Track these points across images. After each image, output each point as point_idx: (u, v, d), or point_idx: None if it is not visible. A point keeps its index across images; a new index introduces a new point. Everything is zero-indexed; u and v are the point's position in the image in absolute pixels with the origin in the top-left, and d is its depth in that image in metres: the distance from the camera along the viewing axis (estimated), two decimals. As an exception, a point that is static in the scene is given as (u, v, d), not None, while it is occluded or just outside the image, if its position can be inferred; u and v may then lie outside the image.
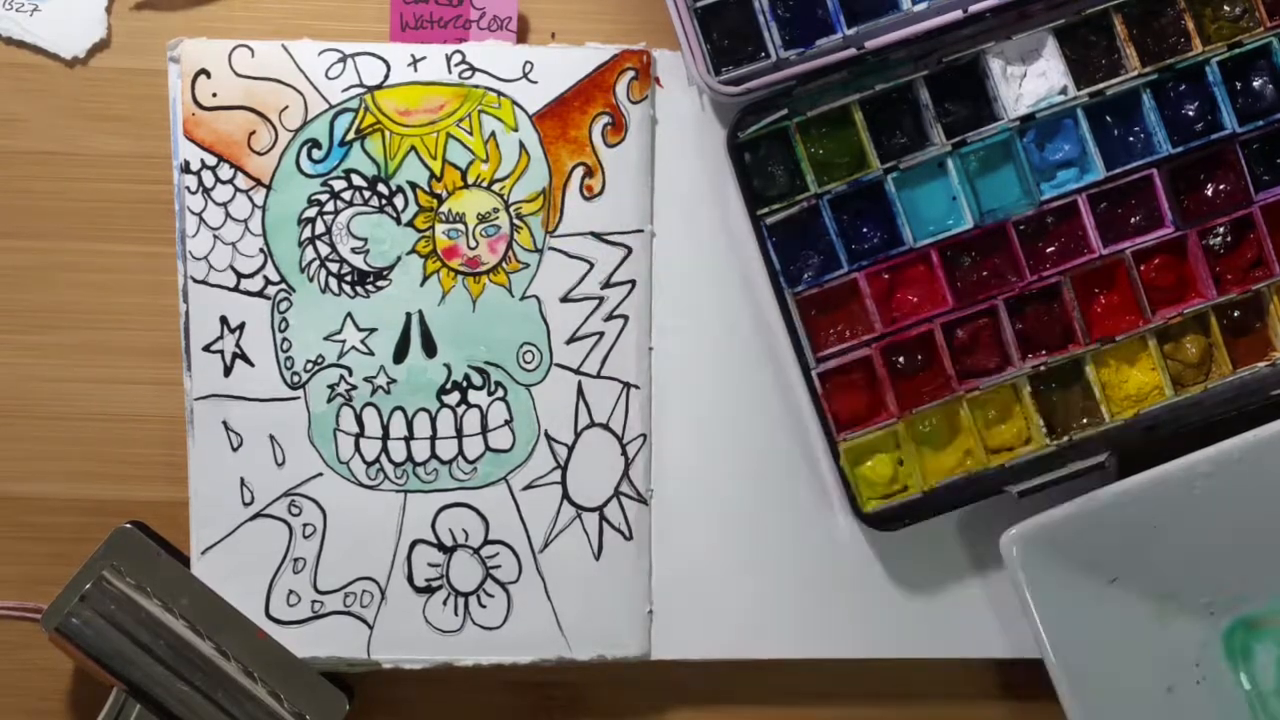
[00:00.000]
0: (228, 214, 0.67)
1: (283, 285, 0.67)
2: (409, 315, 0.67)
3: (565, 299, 0.68)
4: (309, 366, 0.67)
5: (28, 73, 0.69)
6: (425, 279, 0.67)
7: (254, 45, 0.67)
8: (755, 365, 0.68)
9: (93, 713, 0.66)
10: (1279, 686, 0.68)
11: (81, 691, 0.70)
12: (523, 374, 0.67)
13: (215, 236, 0.67)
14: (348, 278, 0.67)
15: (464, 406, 0.67)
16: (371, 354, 0.67)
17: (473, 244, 0.67)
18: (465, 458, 0.67)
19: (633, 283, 0.68)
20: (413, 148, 0.67)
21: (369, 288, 0.67)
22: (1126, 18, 0.66)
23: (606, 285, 0.68)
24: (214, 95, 0.67)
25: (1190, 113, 0.66)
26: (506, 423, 0.68)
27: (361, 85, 0.67)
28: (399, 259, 0.67)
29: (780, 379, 0.68)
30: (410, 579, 0.68)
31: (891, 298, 0.67)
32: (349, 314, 0.67)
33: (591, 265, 0.68)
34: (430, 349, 0.67)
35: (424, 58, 0.67)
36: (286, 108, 0.67)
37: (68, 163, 0.69)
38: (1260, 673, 0.68)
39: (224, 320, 0.67)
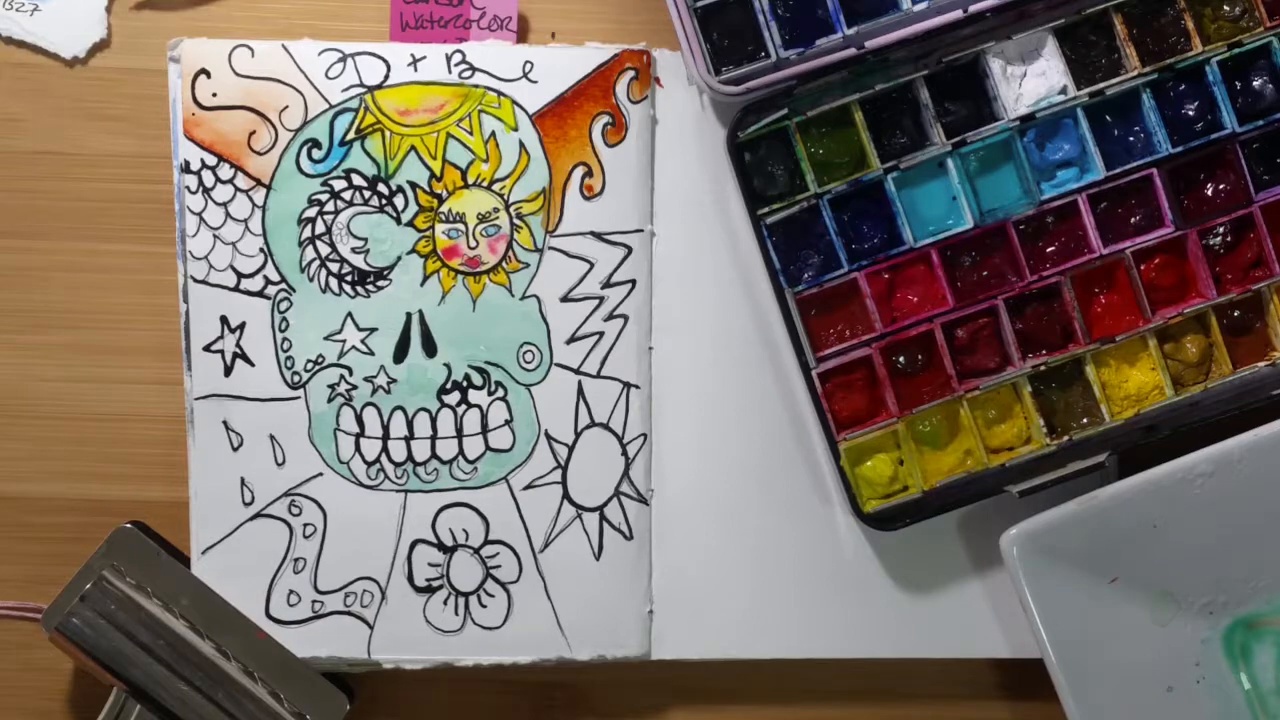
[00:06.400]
0: (228, 214, 0.67)
1: (283, 285, 0.67)
2: (409, 315, 0.67)
3: (565, 299, 0.68)
4: (309, 366, 0.67)
5: (28, 73, 0.69)
6: (425, 279, 0.67)
7: (254, 45, 0.67)
8: (755, 365, 0.69)
9: (93, 713, 0.66)
10: (1279, 686, 0.68)
11: (81, 691, 0.70)
12: (523, 374, 0.67)
13: (215, 236, 0.67)
14: (348, 278, 0.67)
15: (464, 406, 0.67)
16: (372, 354, 0.67)
17: (473, 244, 0.67)
18: (465, 457, 0.67)
19: (633, 283, 0.68)
20: (413, 147, 0.67)
21: (369, 287, 0.67)
22: (1126, 17, 0.66)
23: (606, 285, 0.68)
24: (214, 95, 0.67)
25: (1190, 112, 0.66)
26: (506, 422, 0.68)
27: (361, 85, 0.67)
28: (399, 259, 0.67)
29: (780, 379, 0.68)
30: (410, 579, 0.67)
31: (891, 297, 0.67)
32: (349, 314, 0.67)
33: (591, 265, 0.68)
34: (430, 349, 0.67)
35: (424, 57, 0.67)
36: (286, 107, 0.67)
37: (68, 163, 0.69)
38: (1260, 673, 0.68)
39: (224, 320, 0.67)
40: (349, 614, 0.67)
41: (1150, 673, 0.66)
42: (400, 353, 0.67)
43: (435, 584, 0.68)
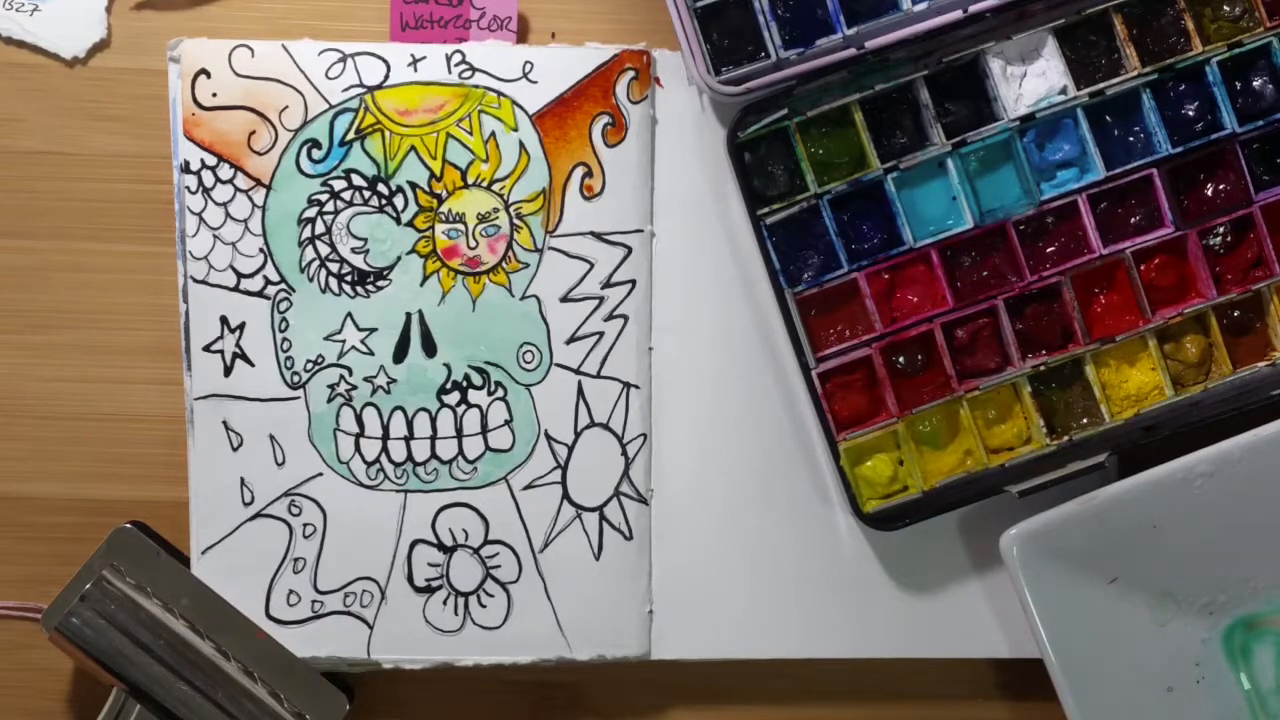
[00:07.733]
0: (228, 214, 0.67)
1: (283, 285, 0.67)
2: (409, 315, 0.67)
3: (565, 299, 0.68)
4: (309, 366, 0.67)
5: (28, 73, 0.69)
6: (425, 279, 0.67)
7: (254, 45, 0.67)
8: (755, 365, 0.69)
9: (93, 713, 0.66)
10: (1279, 686, 0.68)
11: (81, 691, 0.70)
12: (523, 374, 0.67)
13: (215, 236, 0.67)
14: (348, 278, 0.67)
15: (464, 406, 0.67)
16: (371, 354, 0.67)
17: (473, 244, 0.67)
18: (465, 457, 0.67)
19: (633, 283, 0.68)
20: (413, 148, 0.67)
21: (369, 288, 0.67)
22: (1126, 18, 0.66)
23: (606, 285, 0.68)
24: (214, 95, 0.67)
25: (1190, 112, 0.66)
26: (506, 422, 0.68)
27: (361, 85, 0.67)
28: (399, 259, 0.67)
29: (780, 379, 0.68)
30: (410, 579, 0.68)
31: (891, 298, 0.67)
32: (349, 314, 0.67)
33: (591, 265, 0.68)
34: (430, 349, 0.67)
35: (424, 58, 0.67)
36: (286, 108, 0.67)
37: (68, 163, 0.69)
38: (1260, 673, 0.68)
39: (224, 320, 0.67)
40: (349, 614, 0.67)
41: (1150, 673, 0.66)
42: (400, 353, 0.67)
43: (435, 584, 0.68)
